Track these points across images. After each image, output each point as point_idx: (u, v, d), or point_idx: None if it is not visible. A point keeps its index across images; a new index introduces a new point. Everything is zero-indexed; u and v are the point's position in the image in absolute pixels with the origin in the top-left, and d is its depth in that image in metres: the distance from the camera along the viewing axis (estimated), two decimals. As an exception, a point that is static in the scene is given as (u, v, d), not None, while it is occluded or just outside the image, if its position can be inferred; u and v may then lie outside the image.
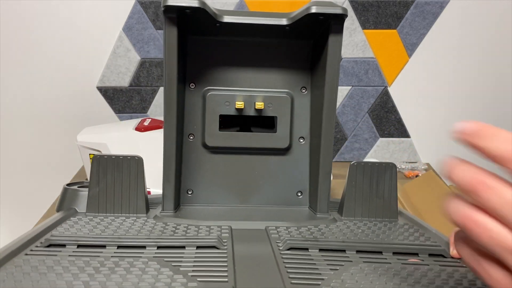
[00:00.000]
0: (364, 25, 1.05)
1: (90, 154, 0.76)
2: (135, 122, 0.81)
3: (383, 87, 1.09)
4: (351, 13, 1.03)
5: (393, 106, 1.10)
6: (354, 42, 1.05)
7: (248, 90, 0.59)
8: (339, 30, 0.53)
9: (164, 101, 0.53)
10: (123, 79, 1.05)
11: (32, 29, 1.01)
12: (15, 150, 1.08)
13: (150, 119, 0.81)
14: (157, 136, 0.75)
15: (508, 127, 1.13)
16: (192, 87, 0.58)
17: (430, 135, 1.13)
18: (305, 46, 0.59)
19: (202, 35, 0.58)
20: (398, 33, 1.05)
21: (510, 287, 0.24)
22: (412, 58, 1.07)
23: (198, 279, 0.35)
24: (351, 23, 1.04)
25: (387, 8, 1.03)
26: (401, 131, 1.12)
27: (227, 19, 0.52)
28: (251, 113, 0.58)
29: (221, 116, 0.58)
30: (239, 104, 0.57)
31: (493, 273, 0.25)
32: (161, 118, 0.83)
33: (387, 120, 1.11)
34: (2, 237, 1.11)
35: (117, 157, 0.53)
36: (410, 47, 1.07)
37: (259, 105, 0.57)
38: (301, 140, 0.60)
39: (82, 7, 1.00)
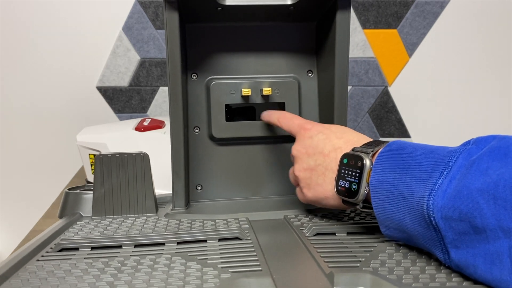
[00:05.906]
0: (364, 24, 1.04)
1: (89, 154, 0.76)
2: (134, 122, 0.81)
3: (383, 87, 1.09)
4: (351, 13, 1.03)
5: (393, 106, 1.10)
6: (355, 42, 1.05)
7: (253, 77, 0.57)
8: (347, 6, 0.51)
9: (169, 92, 0.50)
10: (123, 79, 1.05)
11: (31, 29, 1.01)
12: (15, 150, 1.07)
13: (149, 119, 0.80)
14: (157, 136, 0.75)
15: (508, 127, 1.13)
16: (194, 77, 0.56)
17: (430, 135, 1.13)
18: (309, 28, 0.58)
19: (201, 22, 0.55)
20: (399, 32, 1.05)
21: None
22: (412, 58, 1.07)
23: (230, 270, 0.34)
24: (351, 23, 1.03)
25: (387, 8, 1.03)
26: (401, 131, 1.12)
27: (229, 1, 0.50)
28: (258, 100, 0.56)
29: (227, 106, 0.56)
30: (246, 91, 0.55)
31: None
32: (161, 118, 0.83)
33: (388, 120, 1.11)
34: (2, 236, 1.11)
35: (121, 155, 0.50)
36: (411, 47, 1.06)
37: (267, 91, 0.55)
38: None
39: (82, 7, 1.00)
